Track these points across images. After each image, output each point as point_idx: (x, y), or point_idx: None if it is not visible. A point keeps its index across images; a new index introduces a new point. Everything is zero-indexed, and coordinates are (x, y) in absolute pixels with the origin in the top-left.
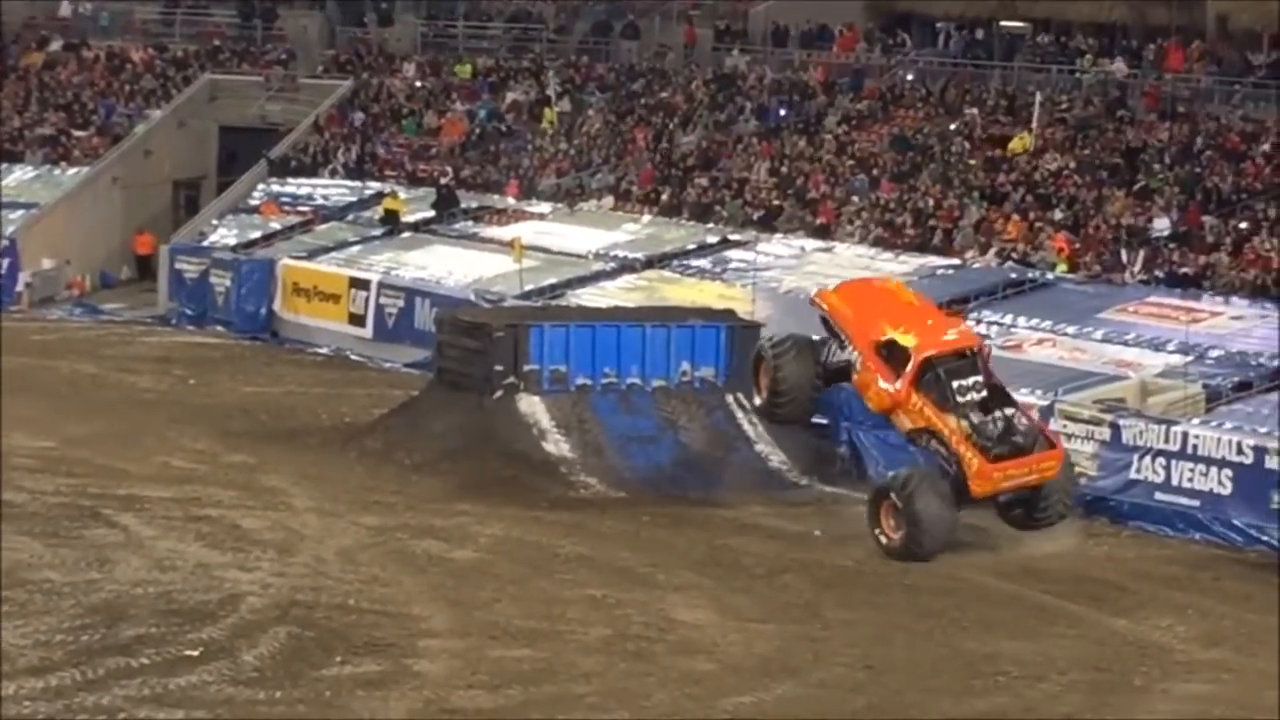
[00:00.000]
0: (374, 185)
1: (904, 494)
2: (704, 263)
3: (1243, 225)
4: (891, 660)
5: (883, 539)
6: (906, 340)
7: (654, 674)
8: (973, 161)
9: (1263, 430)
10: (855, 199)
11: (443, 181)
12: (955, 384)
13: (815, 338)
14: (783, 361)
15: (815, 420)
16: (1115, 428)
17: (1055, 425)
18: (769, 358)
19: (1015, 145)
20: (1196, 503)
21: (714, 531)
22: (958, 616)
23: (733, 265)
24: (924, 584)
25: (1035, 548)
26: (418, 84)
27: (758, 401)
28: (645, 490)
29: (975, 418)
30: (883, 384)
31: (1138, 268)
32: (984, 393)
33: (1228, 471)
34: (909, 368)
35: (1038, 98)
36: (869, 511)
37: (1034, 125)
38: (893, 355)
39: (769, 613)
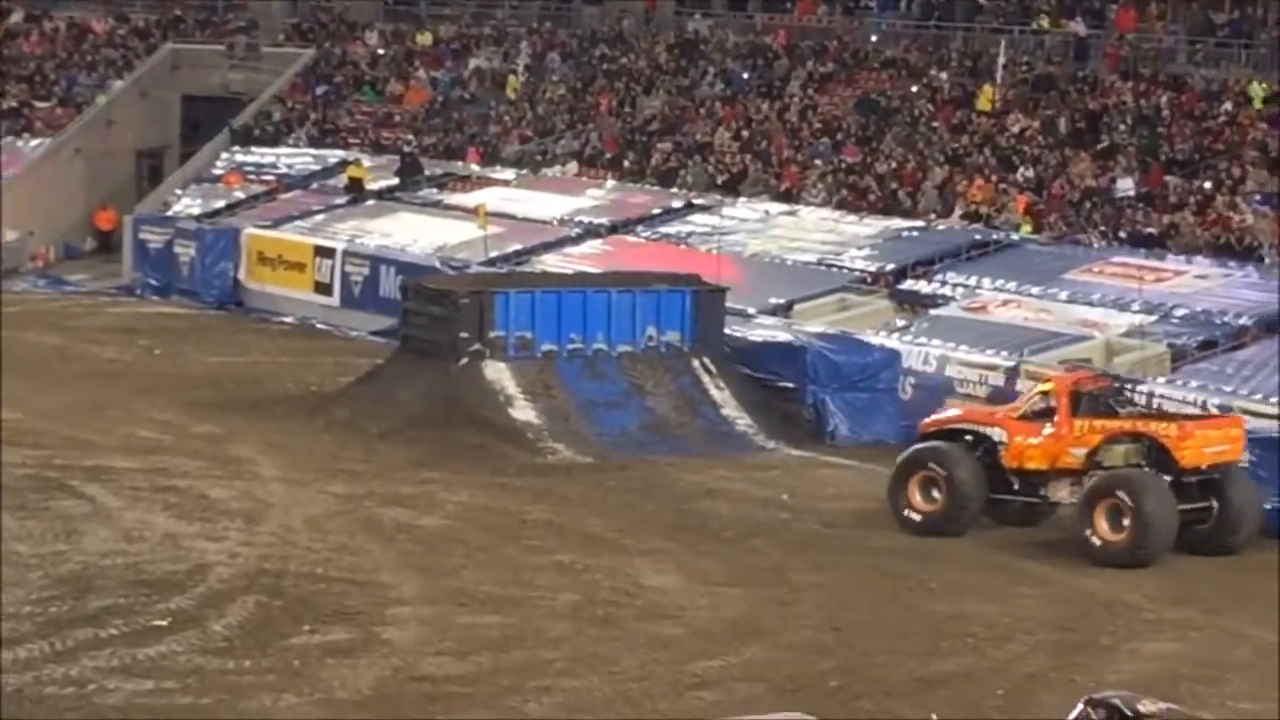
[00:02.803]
0: (338, 153)
1: (1131, 492)
2: (669, 228)
3: (1206, 185)
4: (859, 622)
5: (1095, 541)
6: (1045, 386)
7: (622, 639)
8: (936, 124)
9: (1227, 389)
10: (819, 162)
11: (406, 149)
12: (1106, 401)
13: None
14: (955, 467)
15: (782, 383)
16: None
17: (1022, 386)
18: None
19: (983, 102)
20: None
21: (681, 496)
22: (924, 579)
23: (697, 229)
24: (891, 547)
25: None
26: (380, 51)
27: (915, 518)
28: (612, 455)
29: (1140, 409)
30: (1034, 439)
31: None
32: (1136, 407)
33: None
34: (1060, 404)
35: (1000, 58)
36: (1081, 512)
37: (997, 82)
38: (1035, 414)
39: (736, 576)
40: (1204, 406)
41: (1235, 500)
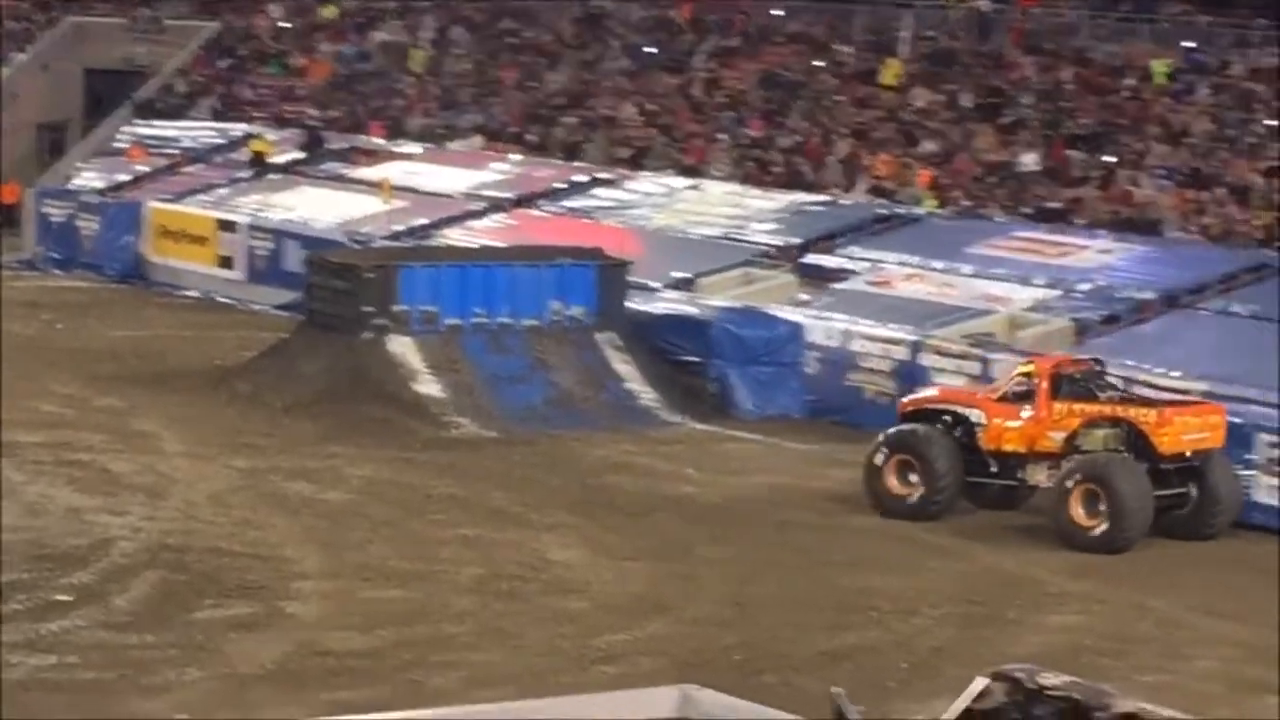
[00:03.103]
0: (241, 127)
1: (1108, 478)
2: (574, 202)
3: (1109, 160)
4: (763, 596)
5: (1071, 525)
6: (1026, 368)
7: (527, 613)
8: (841, 98)
9: (1130, 362)
10: (723, 136)
11: (310, 123)
12: (1087, 385)
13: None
14: (932, 451)
15: (686, 357)
16: (984, 362)
17: (925, 361)
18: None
19: (887, 76)
20: None
21: (586, 470)
22: (829, 552)
23: (602, 204)
24: (795, 521)
25: None
26: (284, 24)
27: (892, 502)
28: (517, 430)
29: (1110, 396)
30: (1013, 422)
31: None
32: (1118, 391)
33: None
34: (1040, 386)
35: (906, 31)
36: (1057, 501)
37: (900, 55)
38: (1014, 395)
39: (641, 551)
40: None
41: (1214, 486)
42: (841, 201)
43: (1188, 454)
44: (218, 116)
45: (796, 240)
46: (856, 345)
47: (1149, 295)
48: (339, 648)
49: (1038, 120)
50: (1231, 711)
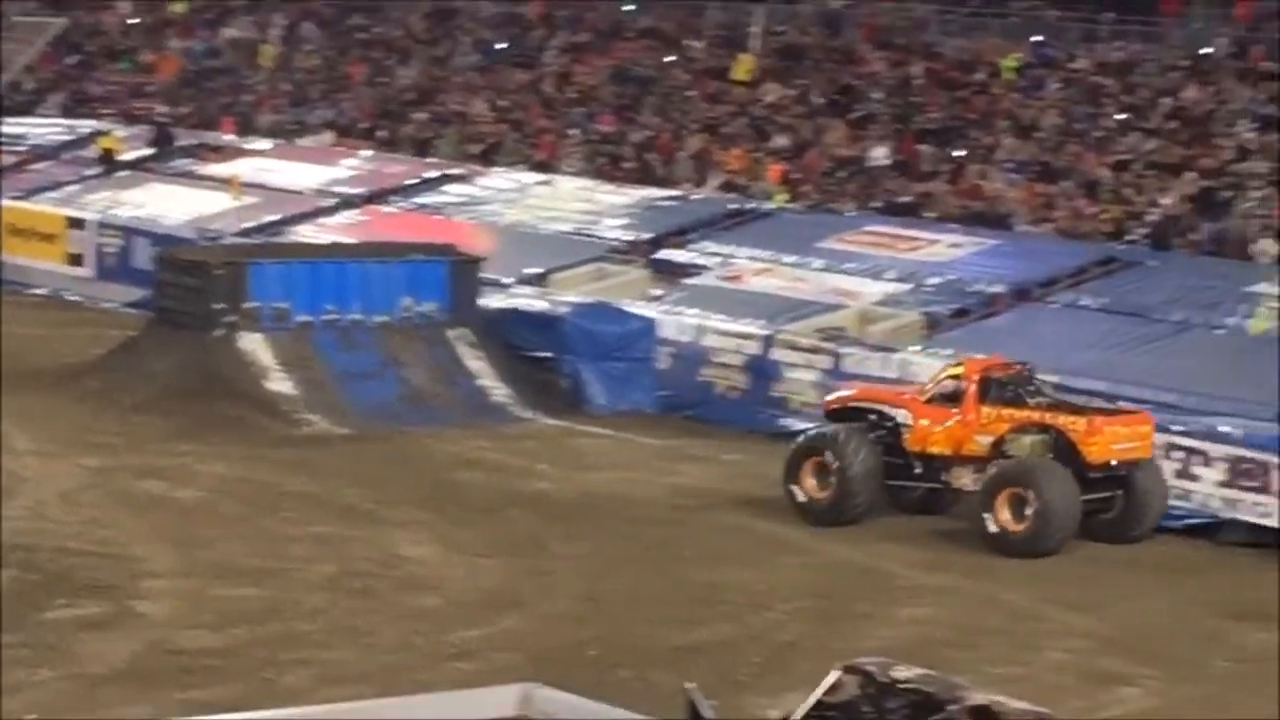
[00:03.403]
0: (90, 124)
1: (1035, 484)
2: (425, 198)
3: (958, 154)
4: (617, 592)
5: (996, 529)
6: (955, 370)
7: (380, 610)
8: (692, 93)
9: (980, 357)
10: (575, 131)
11: (159, 119)
12: (1015, 389)
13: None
14: (849, 454)
15: (538, 353)
16: (836, 356)
17: (777, 356)
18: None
19: (739, 71)
20: None
21: (438, 466)
22: (682, 547)
23: (453, 200)
24: (649, 516)
25: (755, 480)
26: (133, 20)
27: (802, 500)
28: (369, 427)
29: (1039, 402)
30: (940, 424)
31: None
32: (1046, 397)
33: None
34: (969, 389)
35: (756, 26)
36: (982, 501)
37: (750, 49)
38: (942, 397)
39: (494, 547)
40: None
41: (1141, 491)
42: (693, 197)
43: (1112, 463)
44: (67, 113)
45: (648, 235)
46: (708, 340)
47: (999, 289)
48: (190, 646)
49: (888, 115)
50: (1083, 703)
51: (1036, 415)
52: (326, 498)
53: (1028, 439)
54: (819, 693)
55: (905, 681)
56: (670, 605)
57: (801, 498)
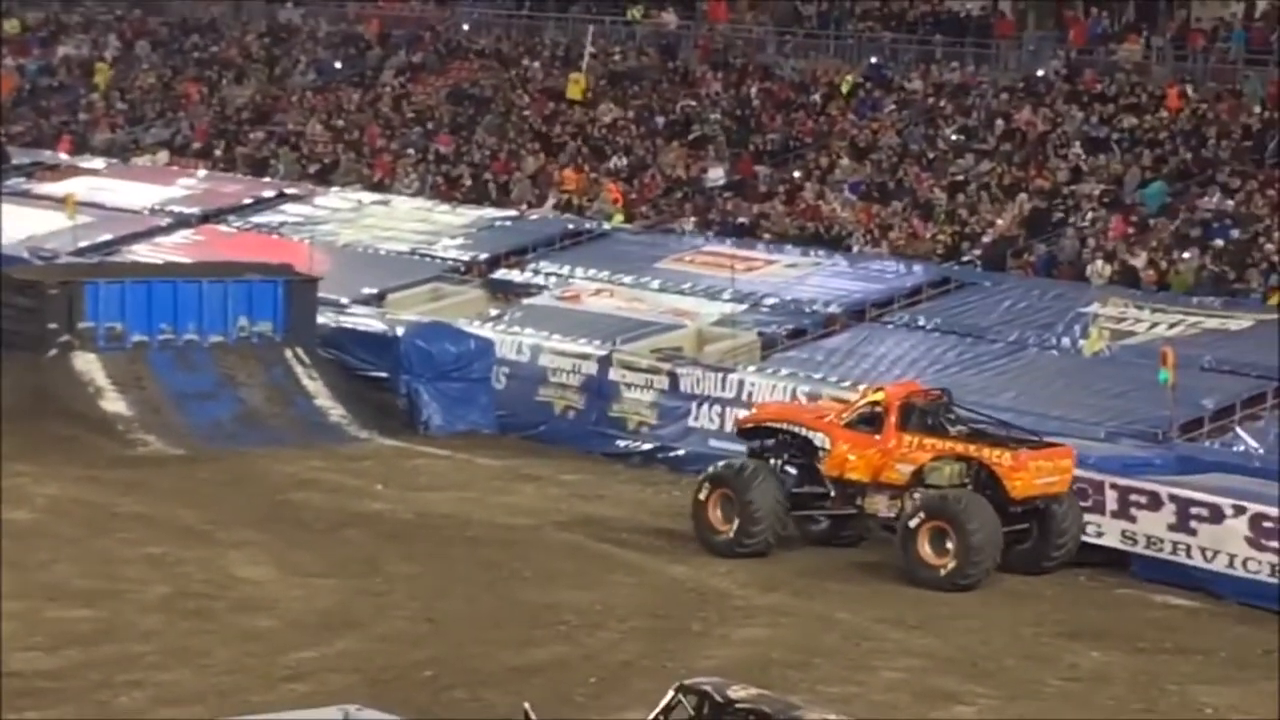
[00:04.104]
0: None
1: (959, 518)
2: (261, 218)
3: (795, 174)
4: (453, 612)
5: (918, 562)
6: (876, 396)
7: (215, 631)
8: (529, 113)
9: (816, 376)
10: (411, 151)
11: None
12: (937, 418)
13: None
14: (752, 488)
15: (375, 373)
16: (673, 376)
17: (614, 375)
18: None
19: (572, 90)
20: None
21: (274, 487)
22: (519, 568)
23: (289, 219)
24: (485, 537)
25: (592, 500)
26: None
27: (708, 532)
28: (204, 447)
29: (959, 431)
30: (859, 451)
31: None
32: (965, 426)
33: None
34: (889, 416)
35: (588, 45)
36: (903, 539)
37: (584, 68)
38: (861, 421)
39: (330, 567)
40: (793, 394)
41: (1058, 523)
42: (531, 217)
43: (1034, 496)
44: None
45: (485, 255)
46: (546, 360)
47: (835, 309)
48: (25, 668)
49: (725, 136)
50: None
51: (959, 446)
52: (162, 518)
53: (948, 469)
54: (656, 713)
55: (742, 701)
56: (507, 626)
57: (707, 530)
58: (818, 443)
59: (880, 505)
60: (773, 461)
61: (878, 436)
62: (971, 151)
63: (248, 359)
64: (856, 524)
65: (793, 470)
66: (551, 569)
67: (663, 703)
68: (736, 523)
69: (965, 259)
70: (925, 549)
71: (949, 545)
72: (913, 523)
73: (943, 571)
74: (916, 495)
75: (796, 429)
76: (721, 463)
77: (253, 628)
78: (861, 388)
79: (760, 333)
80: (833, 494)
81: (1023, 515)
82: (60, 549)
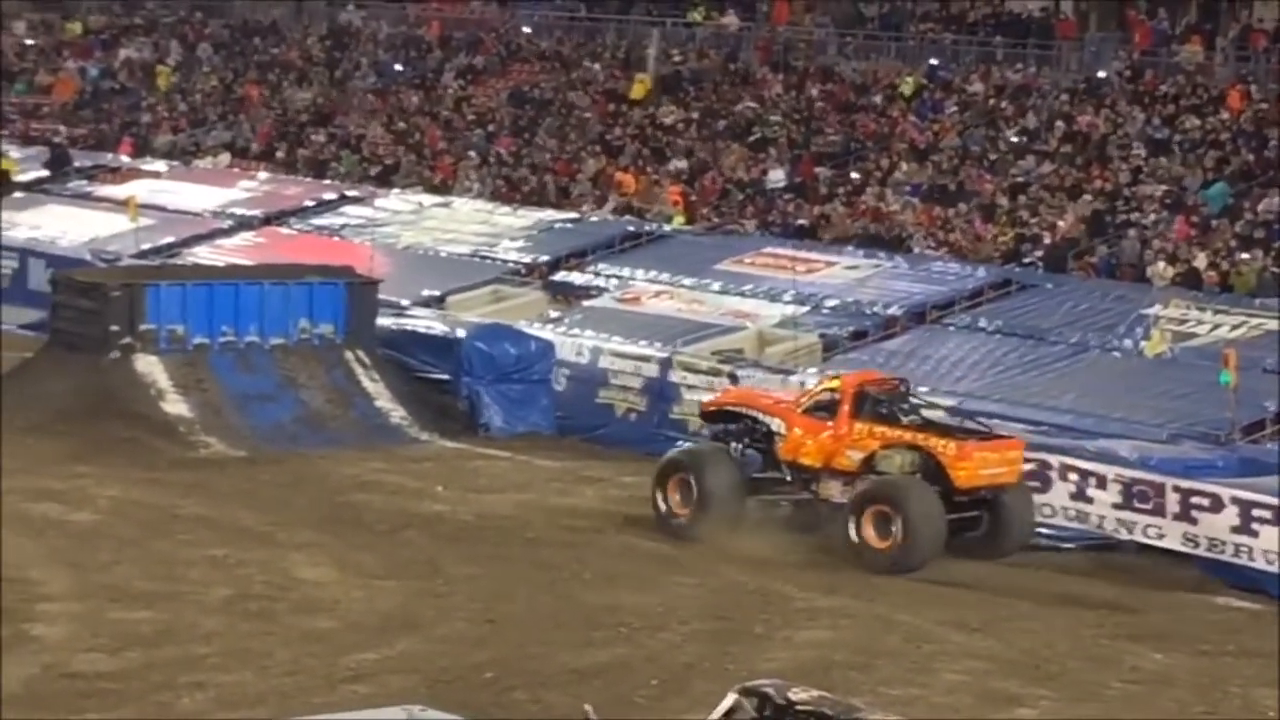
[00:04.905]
0: None
1: (900, 502)
2: (322, 220)
3: (855, 176)
4: (513, 614)
5: (861, 545)
6: (832, 384)
7: (276, 633)
8: (590, 115)
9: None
10: (472, 154)
11: (55, 140)
12: (890, 406)
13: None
14: (709, 472)
15: (436, 375)
16: (734, 378)
17: (675, 377)
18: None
19: (636, 91)
20: None
21: (335, 488)
22: (579, 569)
23: (350, 221)
24: (545, 539)
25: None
26: (29, 42)
27: (667, 516)
28: (265, 449)
29: (911, 420)
30: (813, 436)
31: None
32: (918, 416)
33: None
34: (843, 404)
35: (651, 50)
36: (848, 521)
37: (649, 69)
38: (818, 408)
39: (391, 569)
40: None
41: (1007, 513)
42: (591, 219)
43: (980, 487)
44: None
45: (546, 257)
46: (606, 362)
47: (896, 311)
48: (86, 670)
49: (786, 137)
50: None
51: (908, 436)
52: (223, 520)
53: (898, 457)
54: (716, 715)
55: (803, 704)
56: (567, 627)
57: (666, 514)
58: (774, 428)
59: (834, 491)
60: (734, 446)
61: (831, 423)
62: (1033, 153)
63: (309, 361)
64: (812, 510)
65: (753, 455)
66: (612, 570)
67: (723, 705)
68: (695, 507)
69: (1027, 261)
70: (869, 531)
71: (892, 529)
72: (857, 505)
73: (885, 554)
74: (864, 481)
75: (755, 414)
76: (681, 446)
77: (314, 629)
78: (824, 377)
79: (821, 335)
80: (789, 479)
81: (972, 504)
82: (122, 550)
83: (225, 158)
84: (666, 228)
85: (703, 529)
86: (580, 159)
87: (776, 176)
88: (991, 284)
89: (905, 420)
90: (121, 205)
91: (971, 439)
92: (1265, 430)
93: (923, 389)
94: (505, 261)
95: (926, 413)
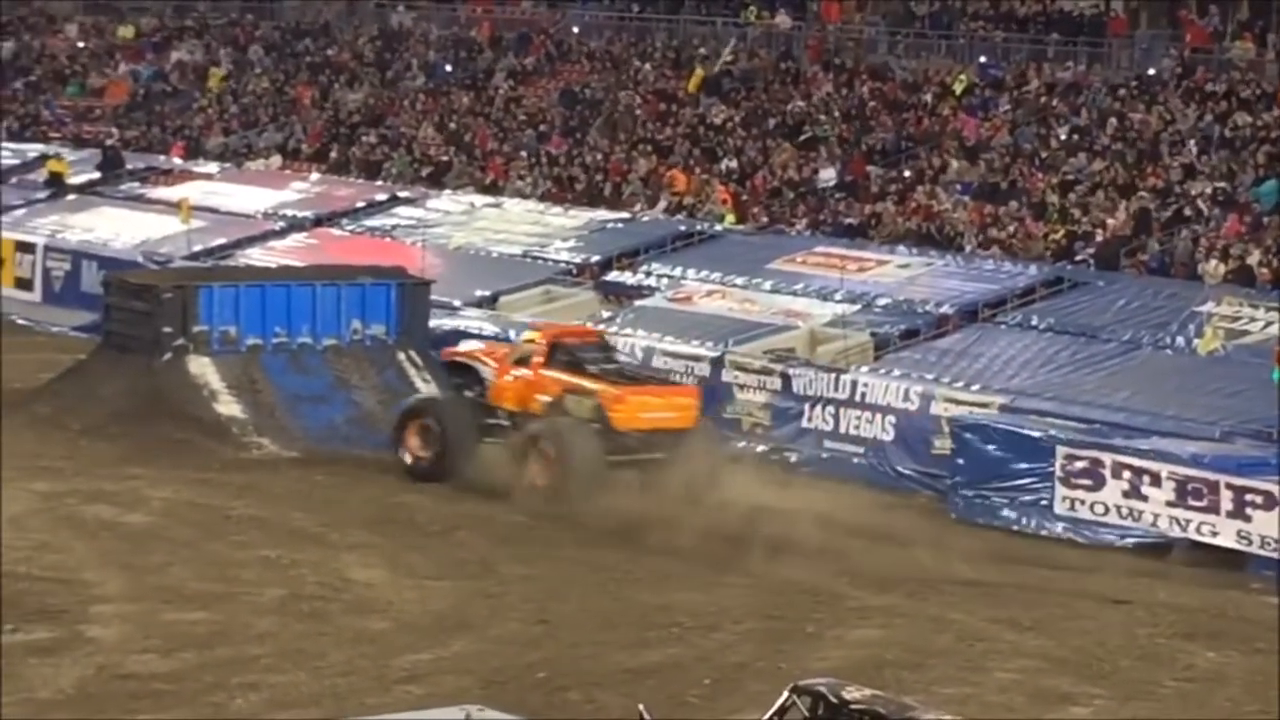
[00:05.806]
0: (38, 148)
1: (553, 440)
2: (374, 221)
3: (907, 175)
4: (566, 614)
5: (523, 481)
6: (534, 335)
7: (329, 634)
8: (640, 114)
9: (929, 377)
10: (523, 154)
11: (108, 143)
12: (579, 355)
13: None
14: (447, 417)
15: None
16: (786, 377)
17: (727, 376)
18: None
19: (691, 85)
20: (862, 450)
21: (387, 489)
22: (631, 569)
23: (402, 222)
24: (597, 538)
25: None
26: (80, 44)
27: (408, 460)
28: (318, 450)
29: (600, 369)
30: (511, 375)
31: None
32: (612, 365)
33: (891, 418)
34: (538, 353)
35: (727, 54)
36: (513, 460)
37: (705, 72)
38: (523, 359)
39: (443, 570)
40: (906, 394)
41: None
42: (642, 219)
43: (640, 430)
44: (14, 138)
45: (597, 257)
46: (658, 361)
47: (947, 309)
48: (140, 671)
49: (836, 136)
50: None
51: (580, 381)
52: (275, 521)
53: (583, 401)
54: (771, 713)
55: (856, 702)
56: (620, 627)
57: (407, 458)
58: (485, 375)
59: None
60: (467, 394)
61: (526, 371)
62: (1084, 150)
63: (361, 362)
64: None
65: (481, 402)
66: (664, 570)
67: (777, 704)
68: (435, 449)
69: (1078, 258)
70: (533, 468)
71: (548, 468)
72: (520, 445)
73: (543, 492)
74: (531, 423)
75: (474, 364)
76: (412, 398)
77: (367, 630)
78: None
79: (873, 333)
80: (506, 423)
81: (644, 446)
82: (175, 552)
83: (277, 159)
84: (718, 227)
85: (444, 470)
86: (631, 159)
87: (827, 175)
88: (1043, 282)
89: (592, 370)
90: (174, 207)
91: (638, 385)
92: None
93: (974, 388)
94: (557, 262)
95: (625, 364)
